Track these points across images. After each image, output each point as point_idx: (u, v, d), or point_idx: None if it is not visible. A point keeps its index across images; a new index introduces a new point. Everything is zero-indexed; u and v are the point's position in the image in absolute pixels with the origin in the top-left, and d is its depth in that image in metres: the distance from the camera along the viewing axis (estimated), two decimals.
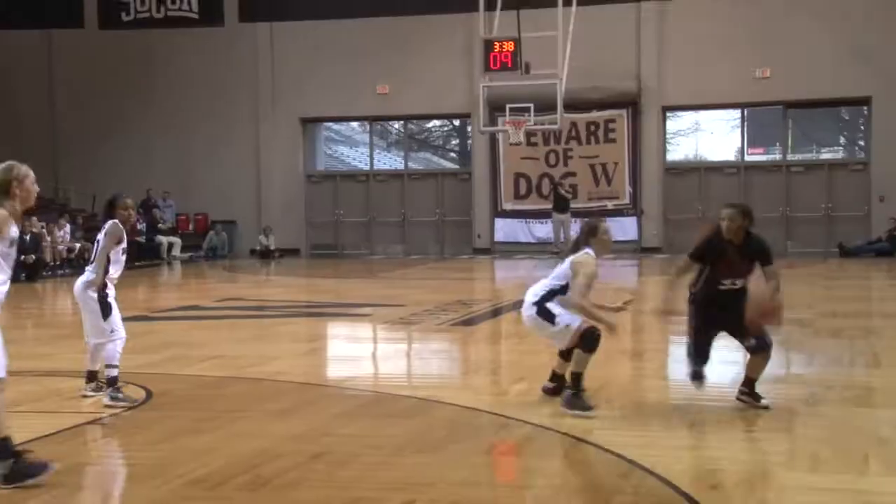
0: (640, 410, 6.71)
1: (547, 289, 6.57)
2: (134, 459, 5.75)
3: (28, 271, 19.47)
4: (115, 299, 7.23)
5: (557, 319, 6.49)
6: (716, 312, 6.57)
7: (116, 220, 7.15)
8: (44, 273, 20.13)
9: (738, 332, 6.60)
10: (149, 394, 7.40)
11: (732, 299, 6.51)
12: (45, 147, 27.20)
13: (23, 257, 19.34)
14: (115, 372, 7.04)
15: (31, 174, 5.17)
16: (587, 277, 6.43)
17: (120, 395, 6.99)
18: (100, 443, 6.36)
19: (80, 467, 5.68)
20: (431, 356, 10.03)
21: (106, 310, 7.05)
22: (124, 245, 7.21)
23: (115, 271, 7.16)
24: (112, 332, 7.06)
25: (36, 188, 5.20)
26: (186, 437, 6.07)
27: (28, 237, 19.79)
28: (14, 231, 5.05)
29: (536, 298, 6.54)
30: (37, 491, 4.94)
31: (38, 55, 27.43)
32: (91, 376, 7.30)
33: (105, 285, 7.08)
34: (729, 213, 6.58)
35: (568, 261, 6.60)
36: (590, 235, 6.61)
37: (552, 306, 6.52)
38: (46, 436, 6.10)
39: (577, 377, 6.48)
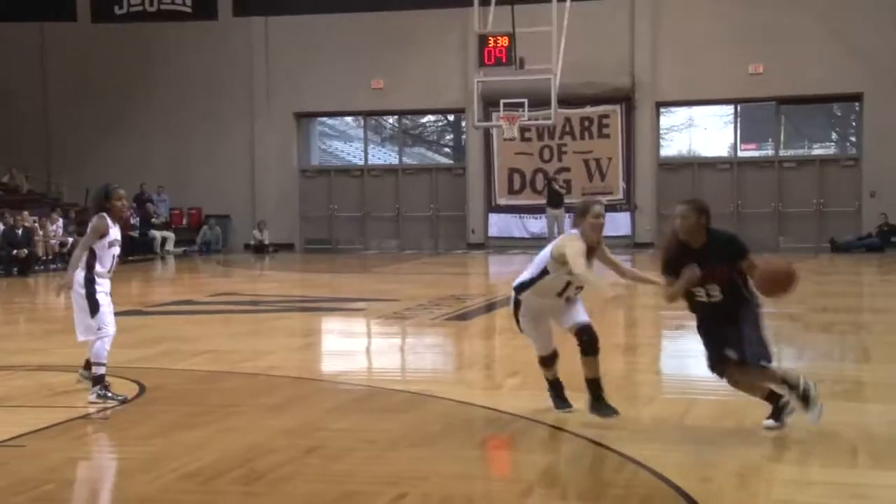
0: (633, 404, 6.72)
1: (524, 278, 6.28)
2: (127, 454, 5.75)
3: (20, 265, 19.46)
4: (109, 294, 7.17)
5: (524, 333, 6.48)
6: (707, 327, 5.77)
7: (103, 214, 7.05)
8: (36, 267, 20.11)
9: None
10: (142, 388, 7.40)
11: (715, 313, 5.67)
12: (38, 140, 27.20)
13: (15, 251, 19.37)
14: (102, 370, 6.99)
15: None
16: (575, 250, 5.94)
17: (109, 394, 6.95)
18: (92, 437, 6.34)
19: (73, 462, 5.68)
20: (425, 351, 10.05)
21: (94, 307, 6.97)
22: (112, 239, 7.08)
23: (102, 266, 7.05)
24: (99, 329, 6.99)
25: None
26: (180, 431, 6.08)
27: (20, 231, 19.82)
28: None
29: (515, 284, 6.36)
30: (28, 486, 4.93)
31: (31, 48, 27.37)
32: (89, 364, 7.28)
33: (93, 281, 7.00)
34: (681, 210, 5.66)
35: (549, 247, 6.23)
36: (580, 216, 6.15)
37: (522, 315, 6.30)
38: (38, 430, 6.11)
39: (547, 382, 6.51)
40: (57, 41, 27.17)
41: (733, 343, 5.61)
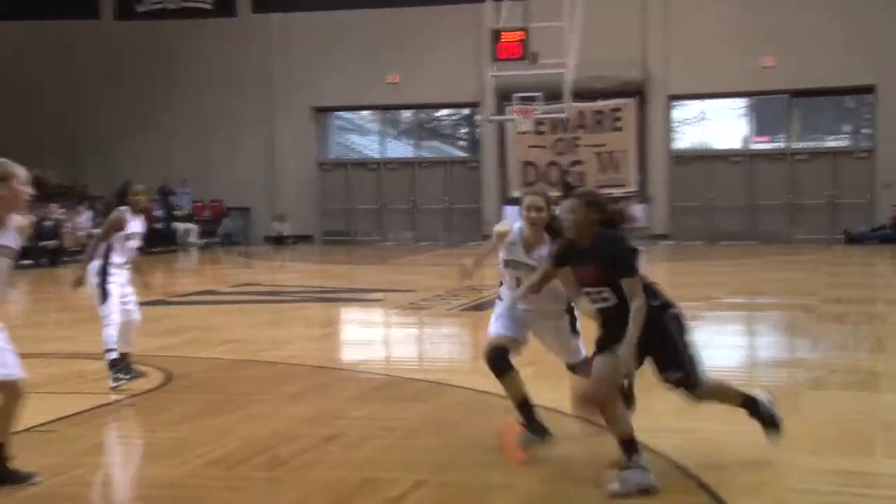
0: (647, 392, 6.78)
1: None
2: (154, 439, 5.87)
3: (49, 257, 19.82)
4: (127, 284, 7.35)
5: None
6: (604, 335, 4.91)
7: (121, 208, 7.29)
8: (64, 258, 20.40)
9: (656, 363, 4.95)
10: (168, 376, 7.56)
11: (611, 319, 4.82)
12: (65, 135, 27.45)
13: (43, 243, 19.71)
14: (113, 355, 7.14)
15: (21, 174, 4.63)
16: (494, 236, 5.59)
17: (121, 377, 7.09)
18: (120, 423, 6.48)
19: (102, 447, 5.86)
20: (442, 340, 10.15)
21: (104, 296, 7.17)
22: (130, 232, 7.29)
23: (118, 258, 7.24)
24: (105, 317, 7.18)
25: (26, 189, 4.64)
26: (204, 418, 6.20)
27: (49, 224, 20.18)
28: None
29: None
30: (58, 470, 5.05)
31: (56, 46, 27.60)
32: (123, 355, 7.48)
33: (108, 272, 7.18)
34: (569, 203, 4.88)
35: None
36: None
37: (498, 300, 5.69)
38: (69, 416, 6.26)
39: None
40: (81, 39, 27.41)
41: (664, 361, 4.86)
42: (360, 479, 4.86)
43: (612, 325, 4.79)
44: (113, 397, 6.88)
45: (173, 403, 6.72)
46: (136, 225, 7.37)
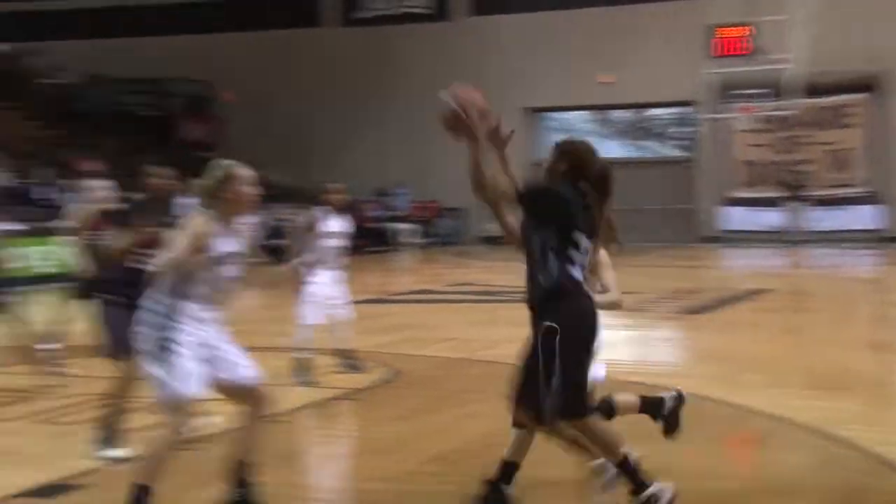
0: (888, 405, 6.38)
1: None
2: (375, 434, 6.02)
3: (278, 255, 21.03)
4: (334, 284, 7.45)
5: None
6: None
7: (316, 209, 7.49)
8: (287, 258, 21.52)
9: None
10: (389, 372, 7.77)
11: (539, 304, 4.29)
12: (292, 138, 28.97)
13: (271, 242, 20.92)
14: (295, 354, 7.24)
15: (244, 175, 4.33)
16: None
17: (303, 380, 7.14)
18: (344, 416, 6.72)
19: (329, 438, 6.09)
20: (658, 344, 9.94)
21: (301, 297, 7.37)
22: (327, 230, 7.44)
23: (316, 257, 7.38)
24: (298, 318, 7.34)
25: (250, 190, 4.35)
26: (424, 415, 6.33)
27: (278, 224, 21.37)
28: (225, 244, 4.29)
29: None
30: (288, 460, 5.25)
31: (282, 54, 29.16)
32: (340, 353, 7.70)
33: (306, 272, 7.34)
34: (549, 150, 4.29)
35: None
36: None
37: None
38: (298, 408, 6.53)
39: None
40: (304, 46, 28.82)
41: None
42: (576, 480, 4.82)
43: (539, 313, 4.18)
44: (339, 391, 7.11)
45: (395, 399, 6.90)
46: (335, 224, 7.49)
